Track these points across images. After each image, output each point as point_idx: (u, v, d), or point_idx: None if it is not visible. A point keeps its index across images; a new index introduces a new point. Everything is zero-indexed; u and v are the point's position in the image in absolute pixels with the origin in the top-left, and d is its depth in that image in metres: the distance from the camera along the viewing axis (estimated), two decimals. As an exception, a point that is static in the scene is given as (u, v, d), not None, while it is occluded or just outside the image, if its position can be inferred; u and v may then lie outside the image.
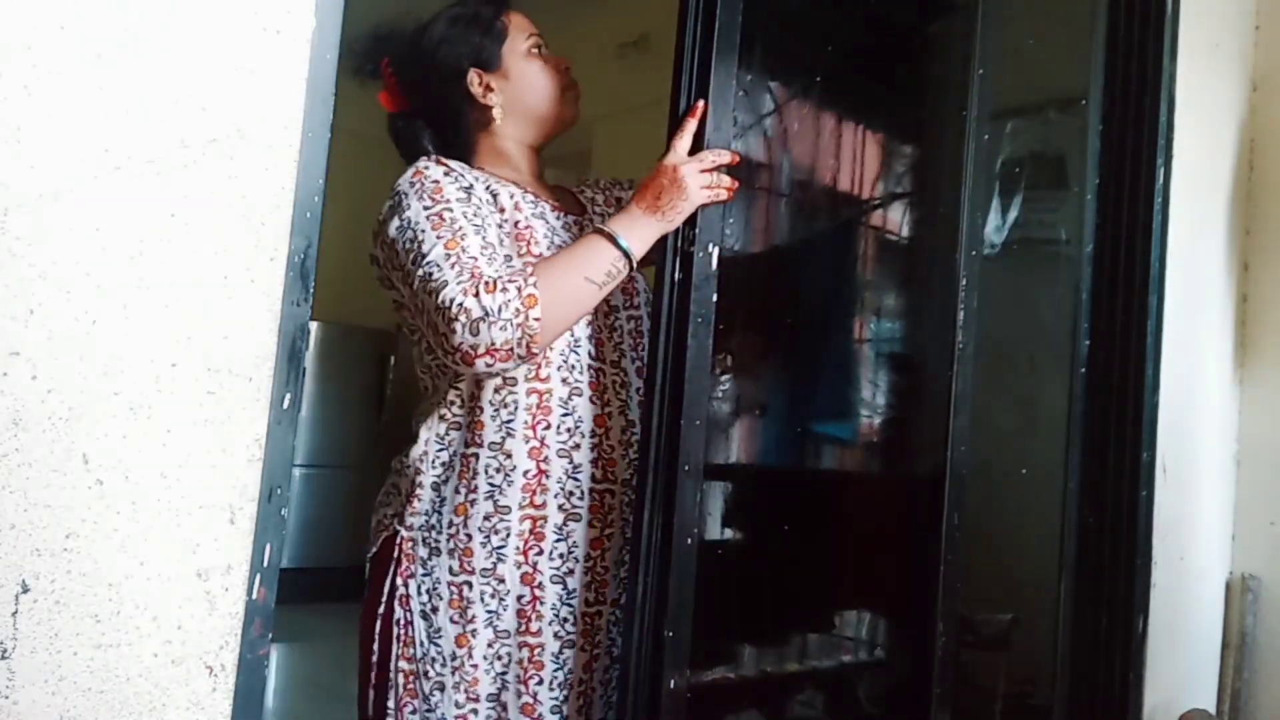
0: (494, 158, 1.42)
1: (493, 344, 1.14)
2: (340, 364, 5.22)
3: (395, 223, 1.25)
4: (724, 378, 1.46)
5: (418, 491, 1.31)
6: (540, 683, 1.28)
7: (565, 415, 1.31)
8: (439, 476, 1.31)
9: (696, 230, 1.28)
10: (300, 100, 0.94)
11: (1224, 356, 2.35)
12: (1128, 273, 1.96)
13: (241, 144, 0.91)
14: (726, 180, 1.29)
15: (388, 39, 1.44)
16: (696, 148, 1.29)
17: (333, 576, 5.04)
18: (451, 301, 1.15)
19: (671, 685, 1.25)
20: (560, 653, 1.30)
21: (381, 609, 1.30)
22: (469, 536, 1.28)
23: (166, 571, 0.87)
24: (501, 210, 1.31)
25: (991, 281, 1.72)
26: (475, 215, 1.26)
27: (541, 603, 1.29)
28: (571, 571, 1.31)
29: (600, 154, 3.74)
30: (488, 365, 1.16)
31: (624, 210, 1.28)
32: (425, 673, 1.28)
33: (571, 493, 1.31)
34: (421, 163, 1.30)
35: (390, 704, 1.28)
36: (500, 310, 1.14)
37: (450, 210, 1.24)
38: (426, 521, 1.31)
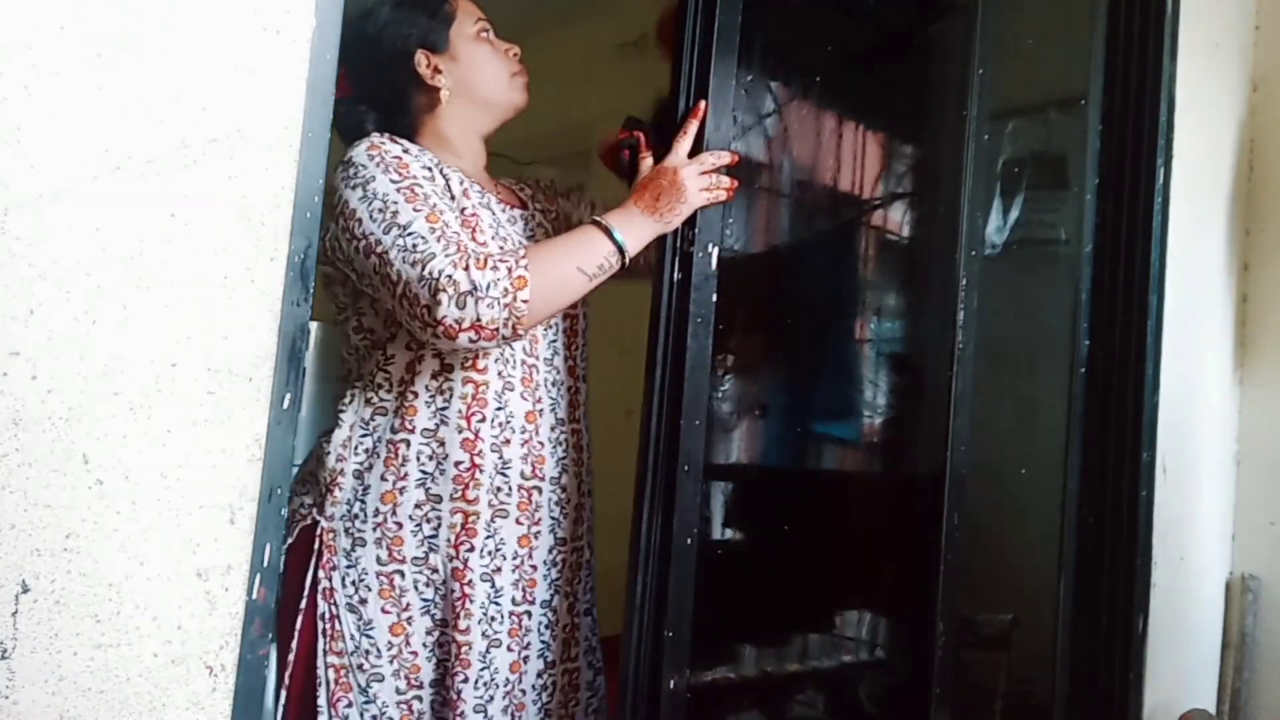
0: (438, 142, 1.38)
1: (478, 320, 1.12)
2: (340, 364, 5.21)
3: (357, 193, 1.21)
4: (724, 378, 1.46)
5: (339, 480, 1.27)
6: (465, 680, 1.25)
7: (499, 409, 1.29)
8: (361, 463, 1.27)
9: (696, 230, 1.28)
10: (300, 100, 0.94)
11: (1224, 356, 2.35)
12: (1128, 273, 1.96)
13: (241, 144, 0.91)
14: (726, 181, 1.29)
15: None
16: (697, 148, 1.29)
17: (333, 576, 5.04)
18: (440, 273, 1.12)
19: (671, 685, 1.25)
20: (487, 652, 1.27)
21: (303, 604, 1.25)
22: (399, 525, 1.25)
23: (166, 571, 0.87)
24: (451, 196, 1.28)
25: (992, 281, 1.72)
26: (442, 195, 1.24)
27: (470, 600, 1.26)
28: (499, 569, 1.29)
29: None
30: (471, 340, 1.14)
31: (622, 207, 1.27)
32: (359, 665, 1.24)
33: (499, 488, 1.29)
34: (375, 137, 1.27)
35: (321, 700, 1.23)
36: (489, 287, 1.12)
37: (420, 186, 1.21)
38: (348, 511, 1.27)
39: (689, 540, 1.26)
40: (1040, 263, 2.05)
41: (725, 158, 1.29)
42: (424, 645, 1.26)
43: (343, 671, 1.24)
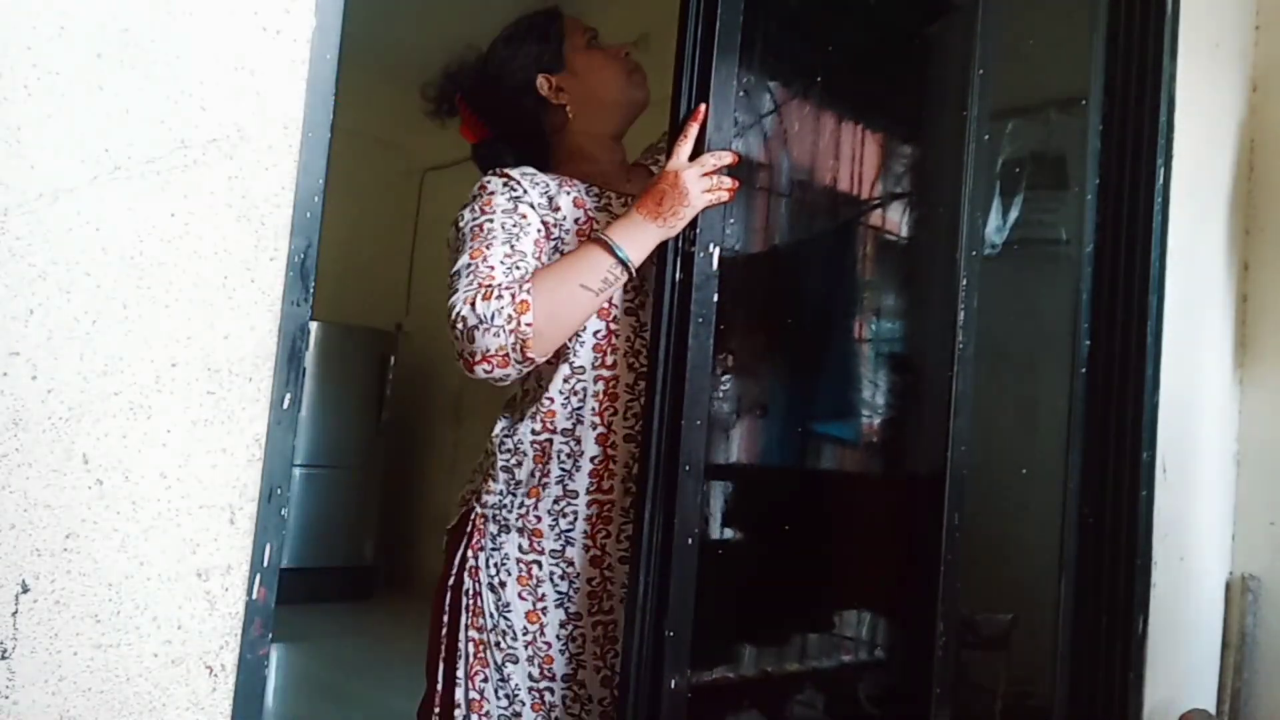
0: (573, 156, 1.45)
1: (487, 350, 1.17)
2: (340, 364, 5.22)
3: (453, 229, 1.32)
4: (725, 377, 1.46)
5: (493, 473, 1.36)
6: (616, 655, 1.31)
7: (631, 400, 1.34)
8: (508, 461, 1.35)
9: (697, 231, 1.28)
10: (300, 100, 0.94)
11: (1224, 356, 2.35)
12: (1128, 273, 1.96)
13: (241, 144, 0.91)
14: (728, 181, 1.29)
15: (458, 75, 1.50)
16: (698, 151, 1.29)
17: (333, 576, 5.05)
18: (453, 310, 1.19)
19: (672, 685, 1.25)
20: None
21: (452, 579, 1.35)
22: (538, 518, 1.32)
23: (166, 571, 0.87)
24: (557, 210, 1.34)
25: (992, 282, 1.72)
26: (514, 224, 1.29)
27: (612, 582, 1.33)
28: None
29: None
30: (486, 372, 1.19)
31: (626, 216, 1.28)
32: (496, 643, 1.31)
33: (635, 474, 1.33)
34: (485, 178, 1.35)
35: (460, 672, 1.31)
36: (493, 317, 1.16)
37: (490, 221, 1.28)
38: (499, 501, 1.35)
39: (690, 540, 1.26)
40: (1040, 263, 2.05)
41: (726, 158, 1.30)
42: (558, 638, 1.32)
43: (481, 647, 1.32)
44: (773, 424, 1.60)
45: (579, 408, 1.33)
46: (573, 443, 1.33)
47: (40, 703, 0.80)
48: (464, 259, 1.24)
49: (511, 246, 1.26)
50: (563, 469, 1.33)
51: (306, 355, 0.96)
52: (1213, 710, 2.28)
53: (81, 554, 0.82)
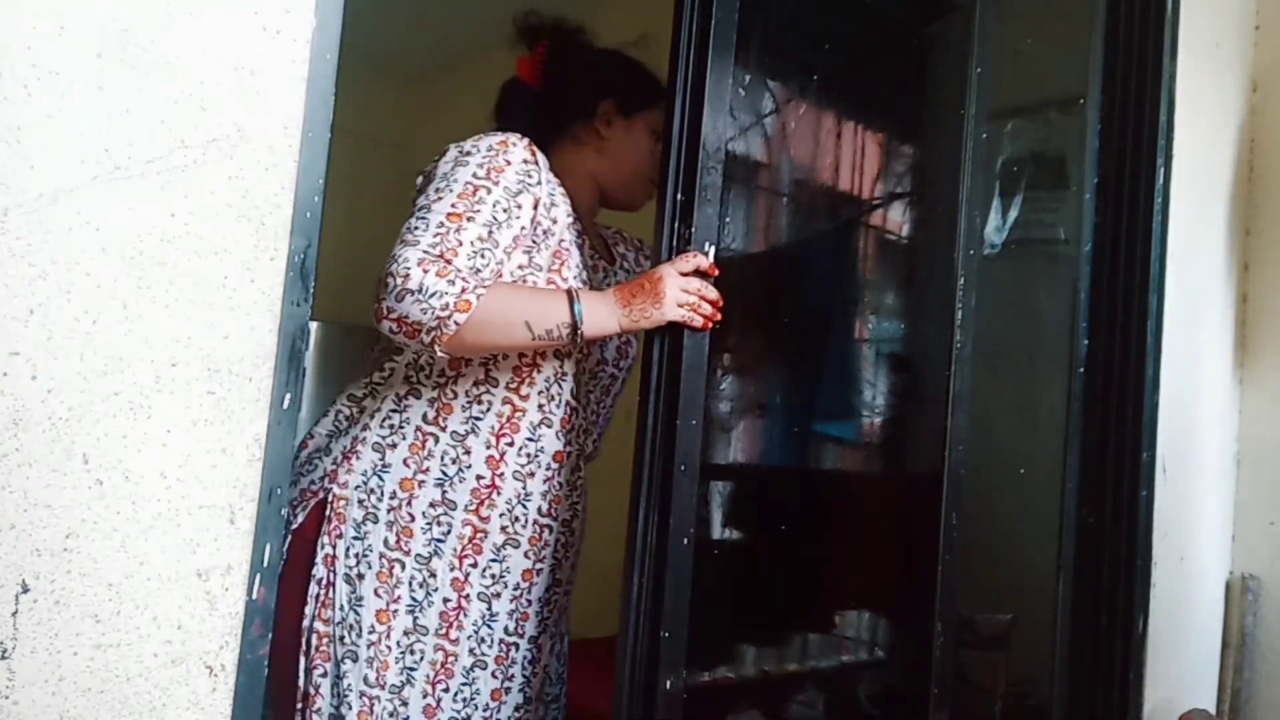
0: (564, 172, 1.41)
1: (405, 316, 1.13)
2: (340, 364, 5.21)
3: (444, 166, 1.26)
4: (722, 377, 1.46)
5: (358, 448, 1.29)
6: (446, 690, 1.28)
7: (530, 440, 1.31)
8: (384, 439, 1.29)
9: (693, 230, 1.28)
10: (300, 100, 0.95)
11: (1224, 356, 2.35)
12: (1128, 273, 1.96)
13: (241, 144, 0.91)
14: (706, 308, 1.25)
15: (563, 28, 1.50)
16: (695, 157, 1.28)
17: (333, 576, 5.03)
18: (400, 261, 1.14)
19: (668, 686, 1.25)
20: (471, 670, 1.30)
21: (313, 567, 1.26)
22: (411, 517, 1.27)
23: (166, 571, 0.87)
24: (554, 221, 1.32)
25: (991, 281, 1.72)
26: (505, 209, 1.25)
27: (465, 614, 1.29)
28: (499, 595, 1.32)
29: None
30: (390, 331, 1.15)
31: (606, 292, 1.26)
32: (340, 637, 1.25)
33: (517, 518, 1.31)
34: (514, 137, 1.30)
35: (302, 665, 1.24)
36: (431, 294, 1.12)
37: (488, 191, 1.23)
38: (364, 483, 1.28)
39: (685, 540, 1.26)
40: (1040, 262, 2.05)
41: (705, 262, 1.26)
42: (397, 644, 1.27)
43: (325, 640, 1.25)
44: (770, 423, 1.60)
45: (478, 419, 1.28)
46: (460, 450, 1.28)
47: (40, 703, 0.80)
48: (440, 211, 1.19)
49: (489, 232, 1.22)
50: (444, 473, 1.28)
51: (306, 355, 0.96)
52: (1213, 710, 2.28)
53: (81, 554, 0.82)
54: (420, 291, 1.12)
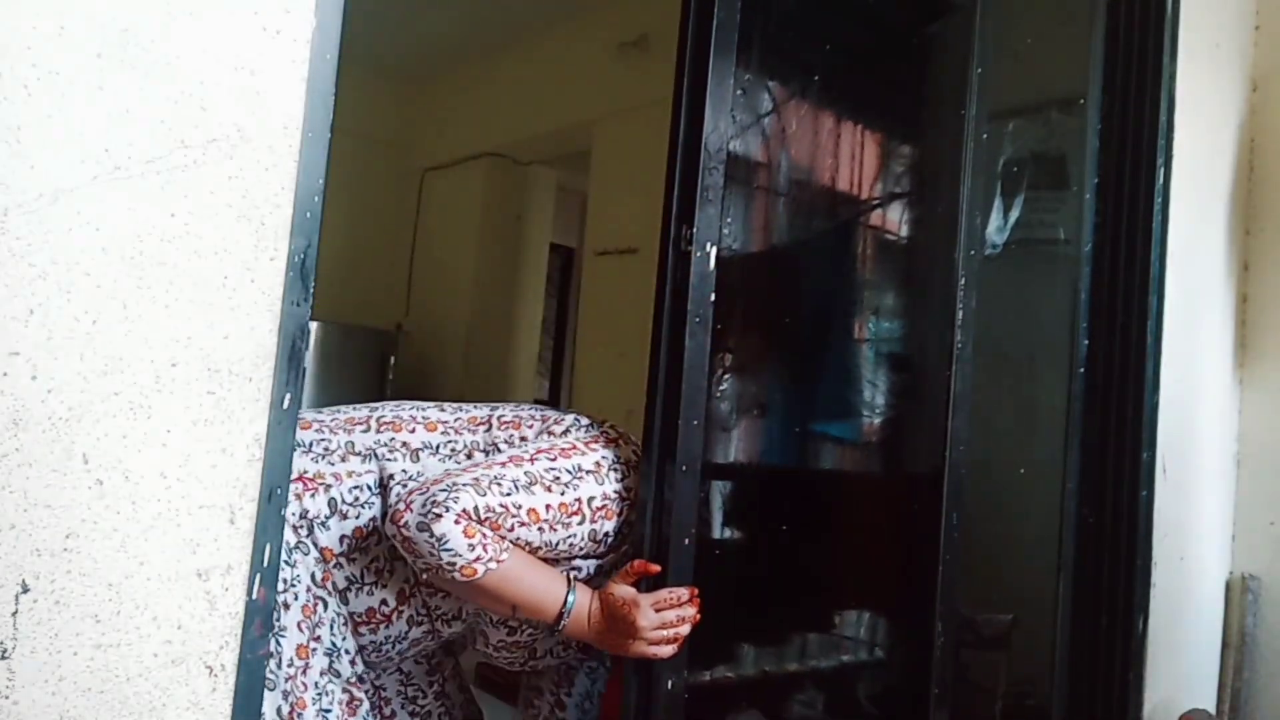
0: None
1: (413, 543, 1.13)
2: (340, 364, 5.22)
3: (561, 442, 1.29)
4: (723, 377, 1.46)
5: (316, 487, 1.27)
6: None
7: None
8: (343, 500, 1.27)
9: (694, 230, 1.28)
10: (300, 100, 0.95)
11: (1224, 356, 2.35)
12: (1128, 273, 1.96)
13: (241, 144, 0.91)
14: (672, 649, 1.24)
15: None
16: (696, 157, 1.28)
17: (333, 576, 5.04)
18: (449, 499, 1.13)
19: (669, 685, 1.25)
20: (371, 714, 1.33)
21: None
22: (338, 565, 1.26)
23: (166, 571, 0.87)
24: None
25: (991, 281, 1.72)
26: (562, 493, 1.23)
27: (382, 688, 1.37)
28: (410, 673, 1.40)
29: (600, 154, 3.74)
30: (391, 533, 1.16)
31: (592, 608, 1.23)
32: None
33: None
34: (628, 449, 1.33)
35: None
36: (446, 542, 1.11)
37: (558, 480, 1.23)
38: (302, 515, 1.26)
39: (687, 540, 1.26)
40: (1040, 263, 2.05)
41: (683, 594, 1.24)
42: (315, 684, 1.24)
43: None
44: (770, 423, 1.60)
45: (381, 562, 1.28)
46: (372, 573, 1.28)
47: (40, 703, 0.80)
48: (510, 492, 1.17)
49: (531, 496, 1.19)
50: (378, 568, 1.27)
51: (306, 355, 0.96)
52: (1213, 710, 2.28)
53: (81, 554, 0.82)
54: (441, 537, 1.12)
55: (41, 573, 0.80)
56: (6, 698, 0.78)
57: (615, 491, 1.26)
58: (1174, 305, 2.01)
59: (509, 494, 1.17)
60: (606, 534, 1.26)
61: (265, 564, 0.92)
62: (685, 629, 1.23)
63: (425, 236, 5.36)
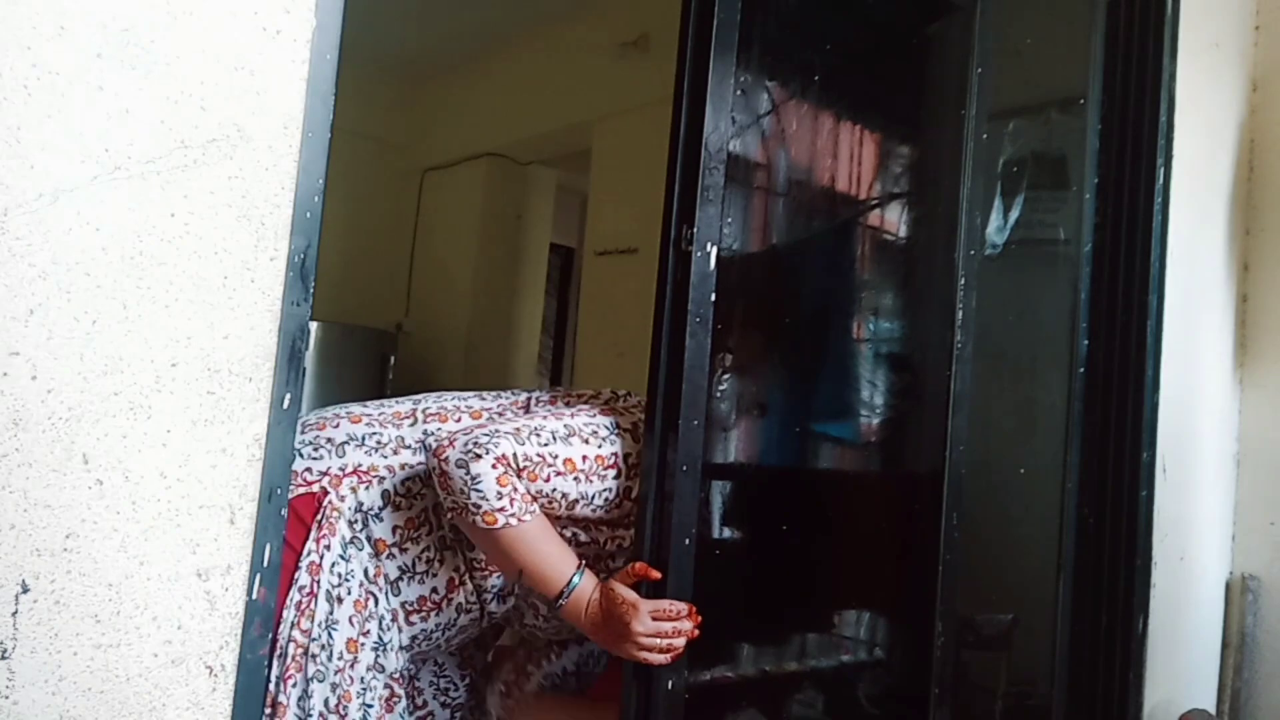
0: None
1: (450, 481, 1.19)
2: (340, 364, 5.22)
3: (588, 426, 1.33)
4: (723, 377, 1.46)
5: (370, 479, 1.31)
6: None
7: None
8: (396, 486, 1.32)
9: (695, 230, 1.28)
10: (300, 100, 0.95)
11: (1224, 356, 2.35)
12: (1128, 273, 1.96)
13: (241, 144, 0.91)
14: (663, 658, 1.24)
15: None
16: (697, 157, 1.29)
17: (333, 576, 5.04)
18: (492, 446, 1.18)
19: (669, 685, 1.25)
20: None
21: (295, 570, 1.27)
22: (390, 556, 1.31)
23: (166, 571, 0.87)
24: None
25: (991, 281, 1.72)
26: (581, 473, 1.28)
27: (418, 680, 1.44)
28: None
29: (600, 154, 3.74)
30: (432, 465, 1.22)
31: (591, 597, 1.25)
32: (314, 655, 1.24)
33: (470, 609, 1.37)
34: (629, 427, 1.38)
35: (275, 670, 1.22)
36: (481, 483, 1.17)
37: (580, 459, 1.28)
38: (356, 510, 1.29)
39: (687, 540, 1.26)
40: (1040, 263, 2.05)
41: (682, 609, 1.24)
42: (361, 679, 1.26)
43: (300, 651, 1.24)
44: (771, 423, 1.60)
45: (431, 567, 1.33)
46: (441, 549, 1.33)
47: (40, 703, 0.80)
48: (549, 442, 1.23)
49: (568, 446, 1.25)
50: (429, 558, 1.33)
51: (306, 355, 0.96)
52: (1213, 710, 2.28)
53: (81, 554, 0.82)
54: (477, 476, 1.18)
55: (41, 573, 0.80)
56: (6, 698, 0.78)
57: None
58: (1174, 305, 2.01)
59: (546, 444, 1.23)
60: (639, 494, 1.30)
61: (265, 564, 0.92)
62: (680, 642, 1.23)
63: (425, 236, 5.36)
